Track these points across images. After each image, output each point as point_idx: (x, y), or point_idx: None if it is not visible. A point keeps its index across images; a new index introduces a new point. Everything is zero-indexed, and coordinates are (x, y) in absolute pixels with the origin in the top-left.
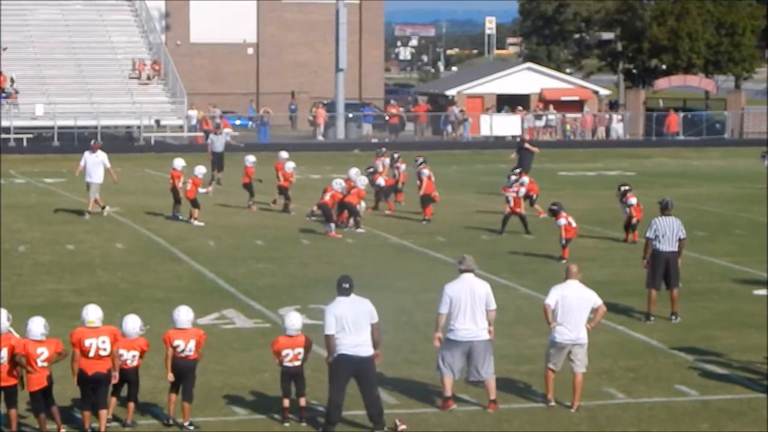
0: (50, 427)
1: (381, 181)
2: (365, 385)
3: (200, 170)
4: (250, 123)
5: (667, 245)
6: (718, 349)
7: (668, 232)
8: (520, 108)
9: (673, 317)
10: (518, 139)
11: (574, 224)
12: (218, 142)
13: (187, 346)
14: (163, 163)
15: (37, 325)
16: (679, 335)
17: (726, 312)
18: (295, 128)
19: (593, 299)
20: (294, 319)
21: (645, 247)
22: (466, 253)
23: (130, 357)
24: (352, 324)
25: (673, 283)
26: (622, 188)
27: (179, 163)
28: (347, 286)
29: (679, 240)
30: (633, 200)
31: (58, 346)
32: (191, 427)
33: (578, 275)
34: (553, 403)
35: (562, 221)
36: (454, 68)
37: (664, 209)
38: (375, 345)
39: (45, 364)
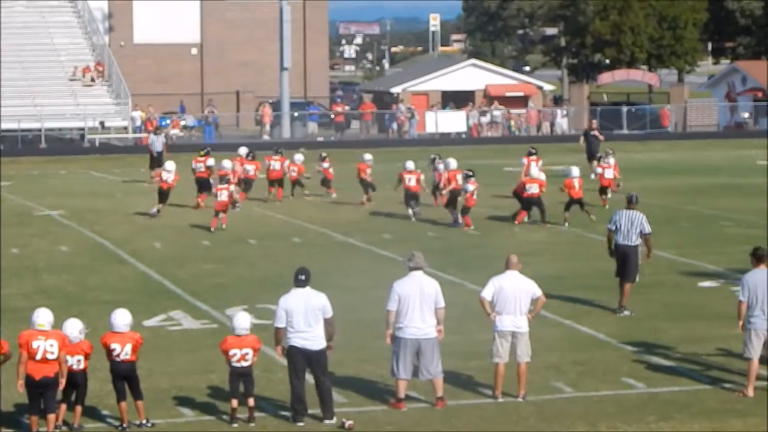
0: None
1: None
2: (317, 376)
3: (171, 165)
4: (166, 122)
5: (623, 238)
6: (665, 341)
7: (625, 226)
8: (471, 104)
9: (620, 310)
10: (585, 128)
11: (474, 196)
12: (158, 142)
13: (123, 350)
14: (108, 165)
15: None
16: (627, 328)
17: (672, 304)
18: (239, 127)
19: (532, 289)
20: (242, 319)
21: (607, 239)
22: (414, 250)
23: (74, 361)
24: (303, 317)
25: (628, 277)
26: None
27: (234, 158)
28: (303, 277)
29: (644, 235)
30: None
31: (2, 347)
32: (149, 425)
33: (518, 266)
34: (500, 399)
35: (471, 187)
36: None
37: (629, 203)
38: (329, 338)
39: None
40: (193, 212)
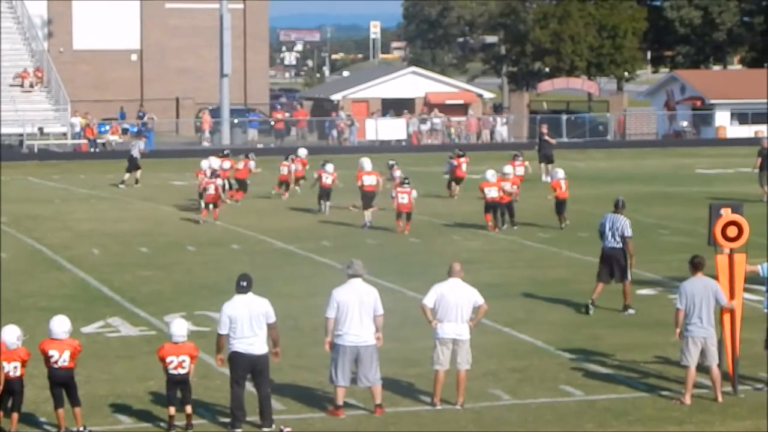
0: None
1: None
2: (258, 382)
3: (215, 162)
4: (106, 128)
5: (606, 241)
6: (603, 348)
7: (610, 229)
8: (406, 111)
9: (627, 310)
10: (539, 133)
11: (403, 200)
12: (136, 148)
13: (62, 357)
14: (46, 171)
15: None
16: (565, 335)
17: (611, 312)
18: (179, 134)
19: (474, 297)
20: (179, 327)
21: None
22: (353, 258)
23: (11, 368)
24: (248, 323)
25: (621, 276)
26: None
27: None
28: (245, 284)
29: (624, 238)
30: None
31: None
32: None
33: (460, 273)
34: (439, 406)
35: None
36: (346, 73)
37: (615, 207)
38: (274, 343)
39: None
40: (132, 219)
